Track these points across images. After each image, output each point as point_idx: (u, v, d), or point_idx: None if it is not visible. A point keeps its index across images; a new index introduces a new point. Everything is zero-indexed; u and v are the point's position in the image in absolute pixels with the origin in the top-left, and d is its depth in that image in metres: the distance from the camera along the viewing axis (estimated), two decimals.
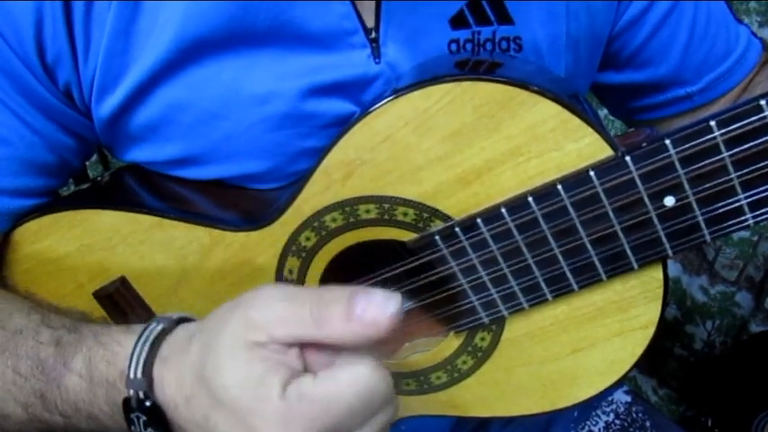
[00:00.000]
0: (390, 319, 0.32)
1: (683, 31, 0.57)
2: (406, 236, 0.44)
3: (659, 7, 0.56)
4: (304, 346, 0.34)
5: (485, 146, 0.40)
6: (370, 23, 0.46)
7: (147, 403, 0.35)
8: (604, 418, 0.69)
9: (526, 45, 0.49)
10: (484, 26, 0.48)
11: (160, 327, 0.37)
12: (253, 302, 0.34)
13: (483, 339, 0.48)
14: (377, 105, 0.40)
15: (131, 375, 0.36)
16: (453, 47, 0.48)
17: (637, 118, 0.67)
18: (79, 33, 0.43)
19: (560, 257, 0.42)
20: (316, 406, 0.32)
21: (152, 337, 0.36)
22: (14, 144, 0.46)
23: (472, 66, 0.46)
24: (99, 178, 0.54)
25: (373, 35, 0.46)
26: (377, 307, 0.32)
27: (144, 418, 0.36)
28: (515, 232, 0.41)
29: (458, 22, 0.47)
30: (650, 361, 1.47)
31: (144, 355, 0.36)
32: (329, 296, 0.33)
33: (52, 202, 0.51)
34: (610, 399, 0.71)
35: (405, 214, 0.44)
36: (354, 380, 0.32)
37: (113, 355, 0.39)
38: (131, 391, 0.36)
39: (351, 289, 0.33)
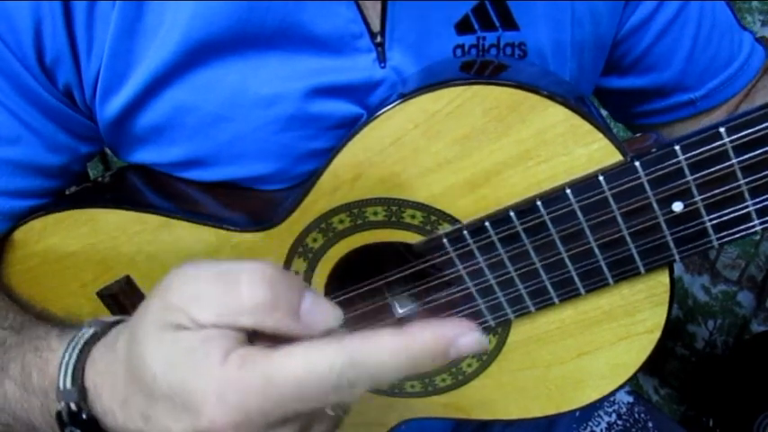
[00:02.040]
0: (328, 328, 0.28)
1: (688, 38, 0.57)
2: (414, 238, 0.44)
3: (664, 13, 0.55)
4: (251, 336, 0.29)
5: (494, 149, 0.40)
6: (376, 28, 0.46)
7: (83, 416, 0.32)
8: (606, 418, 0.69)
9: (531, 51, 0.49)
10: (489, 32, 0.48)
11: (92, 330, 0.33)
12: (169, 284, 0.29)
13: (488, 342, 0.48)
14: (386, 108, 0.40)
15: (62, 386, 0.32)
16: (458, 52, 0.48)
17: (638, 122, 0.67)
18: (81, 33, 0.43)
19: (568, 261, 0.42)
20: (259, 376, 0.26)
21: (81, 342, 0.33)
22: (12, 144, 0.46)
23: (478, 68, 0.46)
24: (100, 178, 0.54)
25: (379, 39, 0.46)
26: (323, 312, 0.29)
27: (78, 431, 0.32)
28: (523, 236, 0.41)
29: (463, 27, 0.47)
30: (652, 360, 1.46)
31: (73, 361, 0.32)
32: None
33: (57, 201, 0.50)
34: (612, 399, 0.71)
35: (412, 217, 0.44)
36: (313, 360, 0.27)
37: (45, 362, 0.36)
38: (63, 404, 0.32)
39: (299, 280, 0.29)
